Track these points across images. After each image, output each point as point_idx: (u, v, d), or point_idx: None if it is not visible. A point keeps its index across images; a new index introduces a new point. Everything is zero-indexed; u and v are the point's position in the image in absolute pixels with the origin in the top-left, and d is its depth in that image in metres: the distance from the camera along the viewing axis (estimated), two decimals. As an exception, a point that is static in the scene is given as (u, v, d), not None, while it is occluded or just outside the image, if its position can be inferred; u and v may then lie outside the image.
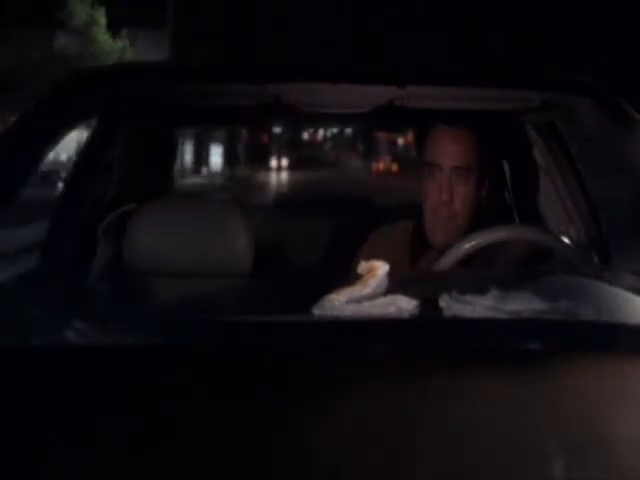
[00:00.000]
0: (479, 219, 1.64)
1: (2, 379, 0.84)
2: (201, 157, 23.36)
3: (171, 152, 2.49)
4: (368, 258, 1.18)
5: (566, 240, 1.62)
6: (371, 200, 2.68)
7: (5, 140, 1.29)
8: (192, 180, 19.69)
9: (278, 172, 32.50)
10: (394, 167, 32.53)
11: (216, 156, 25.37)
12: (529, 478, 0.67)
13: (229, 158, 26.98)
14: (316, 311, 1.07)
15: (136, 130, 2.01)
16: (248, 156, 32.78)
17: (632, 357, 0.95)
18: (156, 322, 1.05)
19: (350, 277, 1.20)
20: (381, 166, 34.28)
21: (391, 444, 0.71)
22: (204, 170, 23.26)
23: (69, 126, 1.47)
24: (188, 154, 21.52)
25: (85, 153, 1.91)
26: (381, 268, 1.13)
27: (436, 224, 1.63)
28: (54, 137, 1.40)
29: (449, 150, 1.61)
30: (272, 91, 1.52)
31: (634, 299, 1.14)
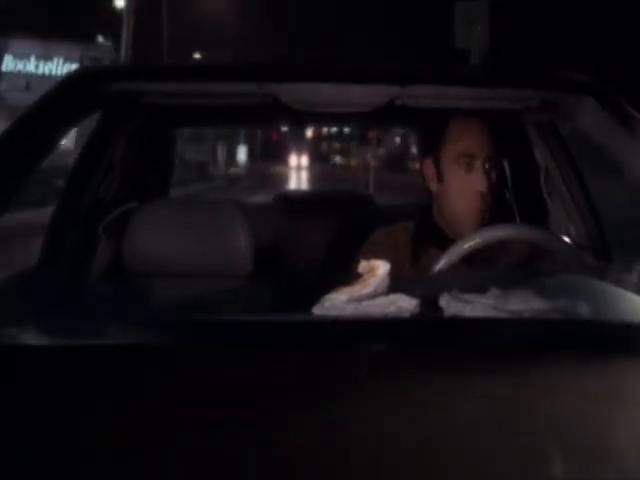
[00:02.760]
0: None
1: (2, 379, 0.84)
2: (232, 155, 33.31)
3: (171, 151, 2.49)
4: (368, 258, 1.18)
5: (566, 239, 1.62)
6: (372, 199, 2.67)
7: (6, 138, 1.29)
8: (228, 172, 28.82)
9: (287, 165, 40.77)
10: (372, 163, 38.70)
11: (242, 154, 35.50)
12: (529, 478, 0.66)
13: (251, 155, 37.48)
14: (317, 310, 1.06)
15: (136, 129, 2.01)
16: (264, 152, 42.78)
17: (632, 356, 0.95)
18: (156, 322, 1.05)
19: (350, 276, 1.20)
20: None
21: (391, 444, 0.71)
22: (235, 164, 33.49)
23: (69, 124, 1.47)
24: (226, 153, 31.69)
25: (86, 152, 1.90)
26: (382, 267, 1.13)
27: (468, 218, 1.61)
28: (54, 135, 1.40)
29: (483, 140, 1.62)
30: (272, 91, 1.52)
31: (634, 298, 1.14)
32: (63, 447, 0.70)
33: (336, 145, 47.05)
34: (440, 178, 1.66)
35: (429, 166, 1.68)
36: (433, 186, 1.68)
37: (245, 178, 27.02)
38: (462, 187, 1.62)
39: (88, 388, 0.83)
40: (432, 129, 1.69)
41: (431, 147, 1.68)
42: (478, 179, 1.60)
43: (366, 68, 1.54)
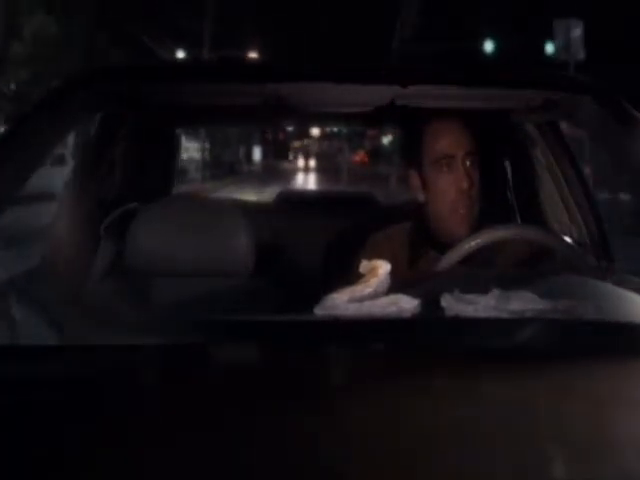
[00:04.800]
0: (481, 216, 1.64)
1: (1, 379, 0.84)
2: (249, 155, 42.88)
3: (172, 151, 2.49)
4: (369, 259, 1.18)
5: (567, 239, 1.62)
6: (373, 199, 2.67)
7: (7, 138, 1.29)
8: (249, 168, 38.42)
9: (294, 162, 49.57)
10: (364, 159, 50.47)
11: (257, 154, 44.39)
12: (529, 478, 0.67)
13: (264, 154, 46.36)
14: (318, 311, 1.07)
15: (138, 129, 2.01)
16: (274, 152, 51.68)
17: (633, 357, 0.95)
18: (157, 322, 1.05)
19: (352, 277, 1.20)
20: (357, 158, 50.81)
21: (391, 444, 0.71)
22: (252, 162, 43.09)
23: (70, 125, 1.47)
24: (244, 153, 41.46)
25: (87, 152, 1.90)
26: (383, 267, 1.13)
27: (456, 218, 1.61)
28: (55, 136, 1.40)
29: (460, 138, 1.61)
30: (274, 91, 1.52)
31: (635, 298, 1.14)
32: (70, 450, 0.70)
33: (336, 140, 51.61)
34: (425, 186, 1.66)
35: (414, 178, 1.68)
36: (420, 196, 1.68)
37: (262, 173, 35.59)
38: (445, 189, 1.62)
39: (89, 389, 0.83)
40: (410, 141, 1.71)
41: (413, 158, 1.68)
42: (459, 177, 1.60)
43: (368, 68, 1.54)
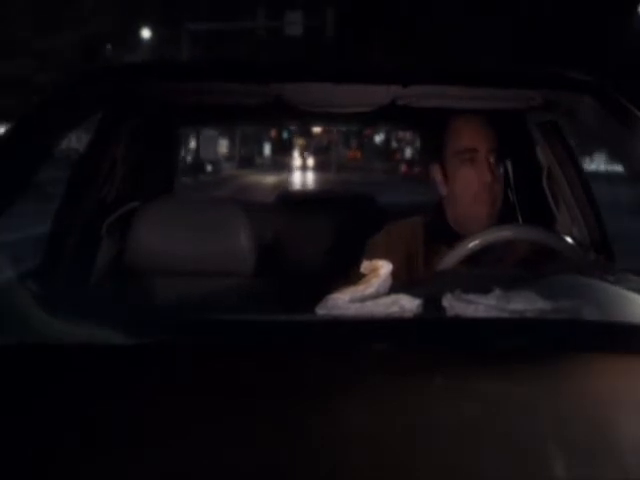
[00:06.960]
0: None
1: (2, 379, 0.84)
2: (261, 150, 53.12)
3: (173, 151, 2.49)
4: (377, 255, 1.18)
5: (569, 240, 1.62)
6: (374, 199, 2.67)
7: (8, 140, 1.29)
8: (262, 161, 48.20)
9: (296, 158, 56.75)
10: (358, 155, 56.42)
11: (267, 150, 54.98)
12: (529, 478, 0.67)
13: (272, 150, 56.51)
14: (319, 310, 1.07)
15: (138, 129, 2.01)
16: (281, 148, 59.70)
17: (633, 357, 0.95)
18: (157, 321, 1.05)
19: (353, 276, 1.20)
20: (351, 154, 56.93)
21: (391, 444, 0.71)
22: (263, 156, 54.07)
23: (72, 124, 1.47)
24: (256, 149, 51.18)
25: (88, 151, 1.90)
26: (384, 267, 1.13)
27: (477, 212, 1.62)
28: (56, 135, 1.40)
29: (484, 133, 1.64)
30: (274, 91, 1.52)
31: (636, 299, 1.13)
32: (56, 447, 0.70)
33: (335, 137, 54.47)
34: (447, 179, 1.67)
35: (437, 171, 1.69)
36: (442, 190, 1.69)
37: (273, 164, 46.02)
38: (468, 181, 1.63)
39: (89, 388, 0.83)
40: (433, 134, 1.72)
41: (435, 151, 1.70)
42: (482, 171, 1.61)
43: (368, 68, 1.54)
